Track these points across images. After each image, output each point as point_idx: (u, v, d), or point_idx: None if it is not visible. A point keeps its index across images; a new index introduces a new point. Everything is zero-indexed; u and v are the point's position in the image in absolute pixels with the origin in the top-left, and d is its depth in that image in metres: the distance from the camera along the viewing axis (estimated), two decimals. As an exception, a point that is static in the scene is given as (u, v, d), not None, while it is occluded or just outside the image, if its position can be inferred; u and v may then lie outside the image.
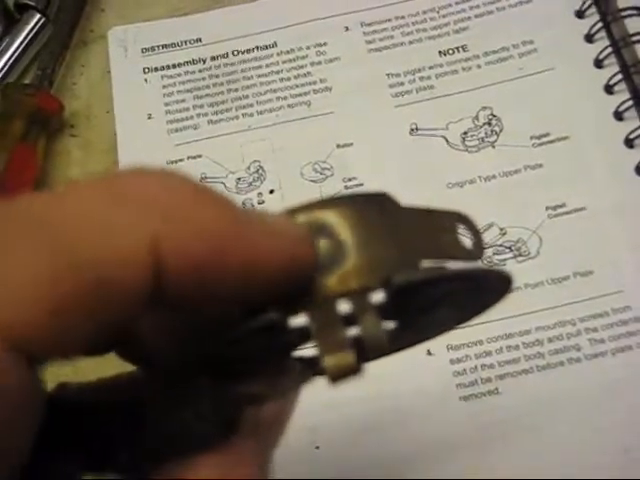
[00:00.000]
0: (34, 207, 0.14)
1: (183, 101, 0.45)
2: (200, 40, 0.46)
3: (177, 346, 0.18)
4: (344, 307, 0.18)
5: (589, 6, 0.44)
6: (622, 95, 0.41)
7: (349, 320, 0.18)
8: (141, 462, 0.17)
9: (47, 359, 0.15)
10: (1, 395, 0.13)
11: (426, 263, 0.19)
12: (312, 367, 0.19)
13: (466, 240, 0.20)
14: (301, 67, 0.45)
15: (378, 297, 0.18)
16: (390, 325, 0.19)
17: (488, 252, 0.39)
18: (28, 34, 0.46)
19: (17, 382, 0.13)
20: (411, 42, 0.45)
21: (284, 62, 0.45)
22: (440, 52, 0.44)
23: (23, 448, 0.14)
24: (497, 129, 0.42)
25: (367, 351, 0.18)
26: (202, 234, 0.15)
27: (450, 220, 0.20)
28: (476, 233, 0.20)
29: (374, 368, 0.19)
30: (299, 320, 0.18)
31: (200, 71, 0.46)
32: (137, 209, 0.15)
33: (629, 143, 0.41)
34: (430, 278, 0.19)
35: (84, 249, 0.14)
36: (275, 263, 0.16)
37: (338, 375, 0.18)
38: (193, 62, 0.46)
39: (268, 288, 0.16)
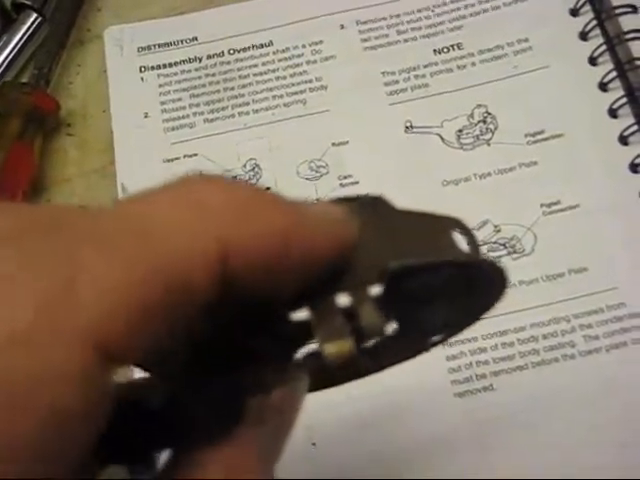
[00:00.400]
0: (129, 214, 0.15)
1: (179, 100, 0.45)
2: (196, 39, 0.47)
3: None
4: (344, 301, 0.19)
5: (583, 4, 0.44)
6: (616, 92, 0.42)
7: (349, 314, 0.19)
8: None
9: (125, 362, 0.15)
10: (83, 392, 0.13)
11: None
12: (316, 359, 0.19)
13: (462, 243, 0.20)
14: (297, 65, 0.45)
15: (376, 290, 0.19)
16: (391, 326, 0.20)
17: (482, 249, 0.39)
18: (25, 33, 0.46)
19: (99, 382, 0.14)
20: (406, 40, 0.45)
21: (280, 60, 0.45)
22: (435, 50, 0.44)
23: (86, 448, 0.14)
24: (492, 127, 0.42)
25: (365, 337, 0.19)
26: (266, 231, 0.16)
27: (445, 224, 0.21)
28: (471, 237, 0.21)
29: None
30: (300, 314, 0.19)
31: (196, 70, 0.46)
32: (208, 215, 0.15)
33: (623, 140, 0.41)
34: (424, 264, 0.19)
35: (168, 254, 0.14)
36: (331, 246, 0.17)
37: (337, 361, 0.18)
38: (189, 61, 0.46)
39: (322, 270, 0.17)
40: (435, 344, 0.22)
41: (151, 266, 0.14)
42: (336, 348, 0.18)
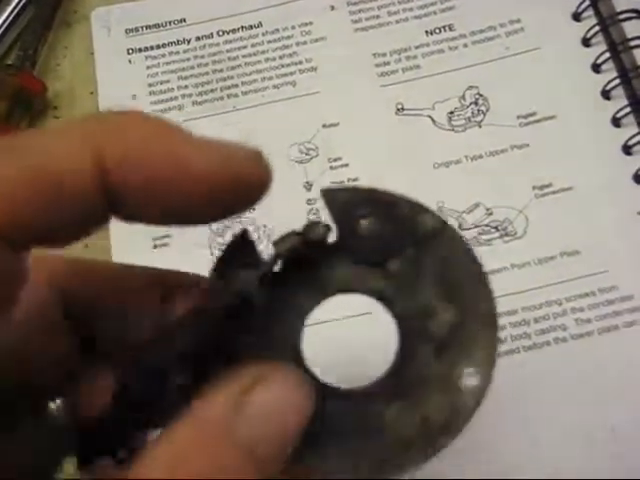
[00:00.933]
0: (19, 137, 0.18)
1: (167, 82, 0.44)
2: (184, 20, 0.46)
3: None
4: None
5: (576, -16, 0.43)
6: (610, 74, 0.41)
7: None
8: None
9: (26, 245, 0.18)
10: None
11: None
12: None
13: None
14: (286, 47, 0.44)
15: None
16: None
17: (474, 232, 0.39)
18: (10, 14, 0.45)
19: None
20: (397, 21, 0.44)
21: (269, 42, 0.45)
22: (426, 31, 0.44)
23: None
24: (484, 108, 0.42)
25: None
26: (133, 141, 0.17)
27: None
28: None
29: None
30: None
31: (184, 52, 0.45)
32: (84, 130, 0.18)
33: (616, 122, 0.40)
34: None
35: (44, 160, 0.17)
36: (208, 175, 0.18)
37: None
38: (177, 43, 0.45)
39: (215, 201, 0.18)
40: None
41: (23, 165, 0.17)
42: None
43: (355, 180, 0.40)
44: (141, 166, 0.17)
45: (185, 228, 0.19)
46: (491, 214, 0.39)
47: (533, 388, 0.35)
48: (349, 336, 0.32)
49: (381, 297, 0.20)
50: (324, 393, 0.19)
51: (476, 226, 0.39)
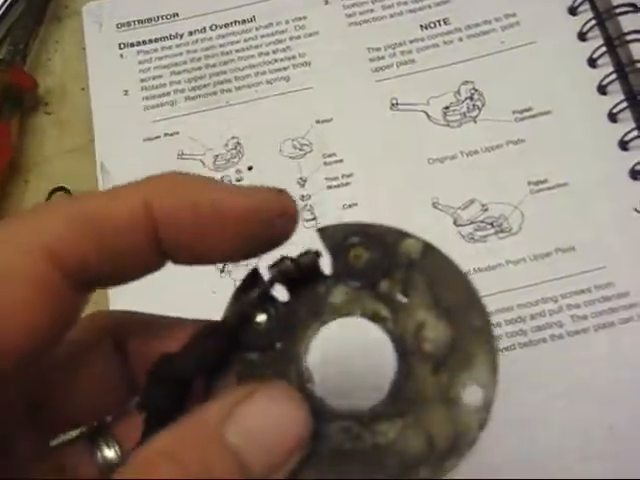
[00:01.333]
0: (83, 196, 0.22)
1: (160, 77, 0.44)
2: (177, 15, 0.45)
3: None
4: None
5: (573, -22, 0.43)
6: (606, 68, 0.41)
7: None
8: None
9: (91, 287, 0.21)
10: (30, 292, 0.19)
11: None
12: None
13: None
14: (280, 42, 0.44)
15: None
16: None
17: (469, 229, 0.38)
18: (0, 8, 0.45)
19: (51, 289, 0.19)
20: (392, 15, 0.44)
21: (263, 37, 0.44)
22: (421, 26, 0.43)
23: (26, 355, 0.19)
24: (479, 103, 0.41)
25: None
26: (179, 195, 0.20)
27: None
28: None
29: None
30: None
31: (177, 46, 0.45)
32: (135, 186, 0.20)
33: (612, 117, 0.40)
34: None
35: (106, 215, 0.20)
36: (240, 212, 0.20)
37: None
38: (170, 37, 0.45)
39: (246, 237, 0.21)
40: None
41: (87, 216, 0.20)
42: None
43: (350, 176, 0.40)
44: (187, 216, 0.20)
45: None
46: (486, 210, 0.39)
47: (529, 386, 0.35)
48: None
49: (376, 319, 0.21)
50: (325, 413, 0.20)
51: (471, 222, 0.39)
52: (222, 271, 0.39)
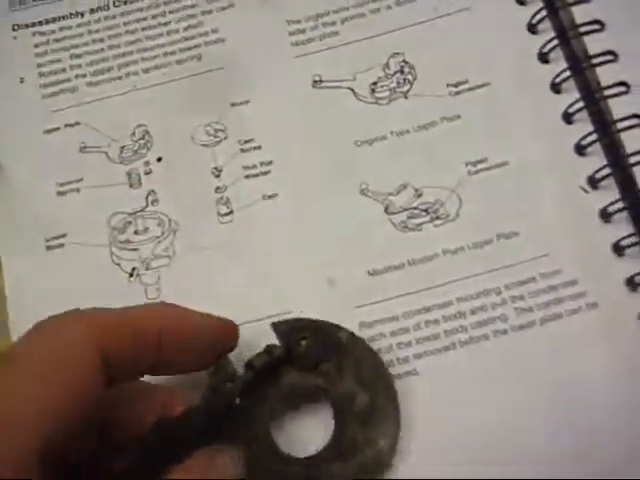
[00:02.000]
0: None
1: (59, 61, 0.40)
2: (77, -9, 0.41)
3: None
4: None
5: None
6: (547, 34, 0.37)
7: None
8: None
9: (112, 382, 0.26)
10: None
11: None
12: None
13: None
14: (191, 17, 0.40)
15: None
16: None
17: (402, 216, 0.35)
18: None
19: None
20: (312, -16, 0.40)
21: (171, 12, 0.40)
22: (345, -7, 0.40)
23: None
24: (410, 77, 0.37)
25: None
26: (170, 320, 0.28)
27: None
28: None
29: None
30: None
31: (78, 26, 0.40)
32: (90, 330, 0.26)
33: (555, 88, 0.36)
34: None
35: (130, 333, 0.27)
36: (207, 331, 0.29)
37: None
38: (70, 16, 0.41)
39: (216, 344, 0.30)
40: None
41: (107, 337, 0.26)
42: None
43: (269, 163, 0.36)
44: (177, 334, 0.28)
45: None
46: (420, 195, 0.35)
47: (471, 387, 0.32)
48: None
49: (319, 390, 0.31)
50: (285, 460, 0.30)
51: (404, 209, 0.35)
52: (131, 275, 0.35)
